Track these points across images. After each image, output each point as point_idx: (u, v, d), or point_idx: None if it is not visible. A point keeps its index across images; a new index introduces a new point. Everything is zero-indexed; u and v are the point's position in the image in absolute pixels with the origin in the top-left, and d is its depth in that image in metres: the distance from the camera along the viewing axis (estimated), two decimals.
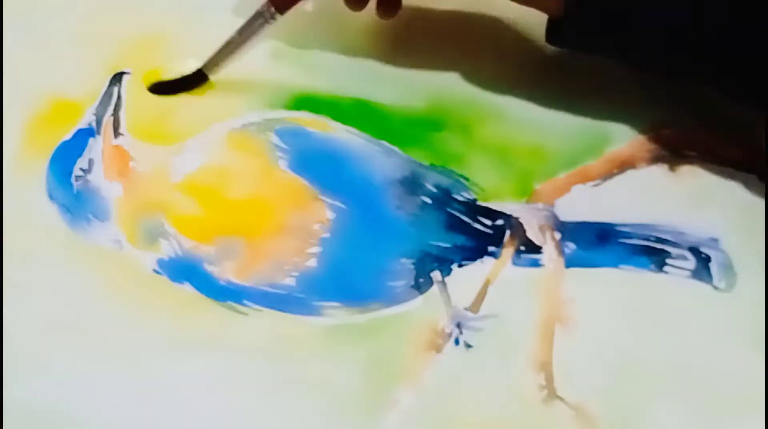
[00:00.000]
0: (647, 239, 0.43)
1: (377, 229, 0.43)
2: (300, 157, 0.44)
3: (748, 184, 0.45)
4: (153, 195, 0.44)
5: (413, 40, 0.49)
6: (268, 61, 0.48)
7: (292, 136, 0.45)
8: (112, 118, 0.46)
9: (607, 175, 0.45)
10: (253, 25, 0.44)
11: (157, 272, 0.42)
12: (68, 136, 0.45)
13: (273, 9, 0.43)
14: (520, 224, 0.44)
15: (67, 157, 0.45)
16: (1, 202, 0.44)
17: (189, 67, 0.46)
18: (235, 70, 0.47)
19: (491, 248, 0.43)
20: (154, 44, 0.48)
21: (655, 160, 0.45)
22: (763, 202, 0.44)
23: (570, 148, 0.46)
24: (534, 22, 0.46)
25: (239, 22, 0.46)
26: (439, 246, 0.43)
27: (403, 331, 0.41)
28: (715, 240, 0.43)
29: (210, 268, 0.42)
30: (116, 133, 0.45)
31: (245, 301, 0.42)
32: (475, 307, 0.42)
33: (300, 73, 0.48)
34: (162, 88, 0.46)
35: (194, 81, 0.46)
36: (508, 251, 0.43)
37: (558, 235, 0.43)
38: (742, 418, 0.40)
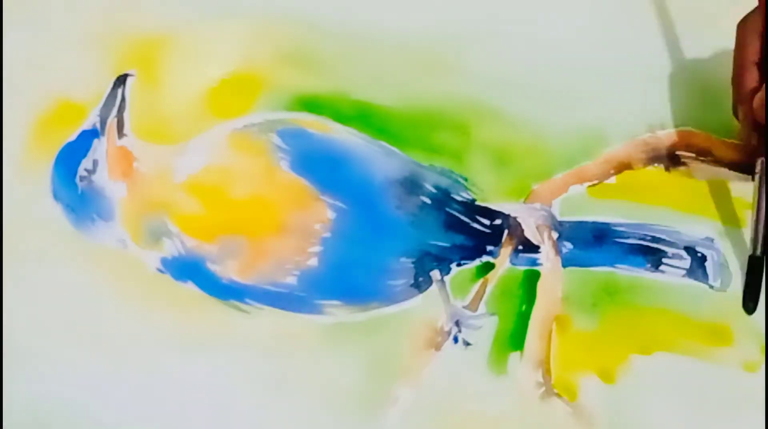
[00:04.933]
0: (643, 239, 0.43)
1: (377, 229, 0.44)
2: (301, 158, 0.45)
3: (743, 185, 0.45)
4: (156, 195, 0.44)
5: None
6: (269, 62, 0.48)
7: (293, 137, 0.45)
8: (116, 120, 0.46)
9: (604, 176, 0.45)
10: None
11: (161, 271, 0.43)
12: (73, 137, 0.46)
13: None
14: (518, 224, 0.44)
15: (71, 158, 0.45)
16: (5, 203, 0.44)
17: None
18: (237, 71, 0.48)
19: (490, 247, 0.44)
20: (157, 46, 0.48)
21: (651, 160, 0.46)
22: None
23: (567, 148, 0.46)
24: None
25: (241, 21, 0.46)
26: (438, 245, 0.44)
27: (402, 329, 0.42)
28: (711, 239, 0.44)
29: (212, 267, 0.43)
30: (120, 134, 0.46)
31: (247, 300, 0.42)
32: (473, 305, 0.43)
33: (301, 75, 0.48)
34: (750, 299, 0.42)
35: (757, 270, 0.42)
36: (506, 250, 0.44)
37: (555, 235, 0.44)
38: (741, 417, 0.40)
